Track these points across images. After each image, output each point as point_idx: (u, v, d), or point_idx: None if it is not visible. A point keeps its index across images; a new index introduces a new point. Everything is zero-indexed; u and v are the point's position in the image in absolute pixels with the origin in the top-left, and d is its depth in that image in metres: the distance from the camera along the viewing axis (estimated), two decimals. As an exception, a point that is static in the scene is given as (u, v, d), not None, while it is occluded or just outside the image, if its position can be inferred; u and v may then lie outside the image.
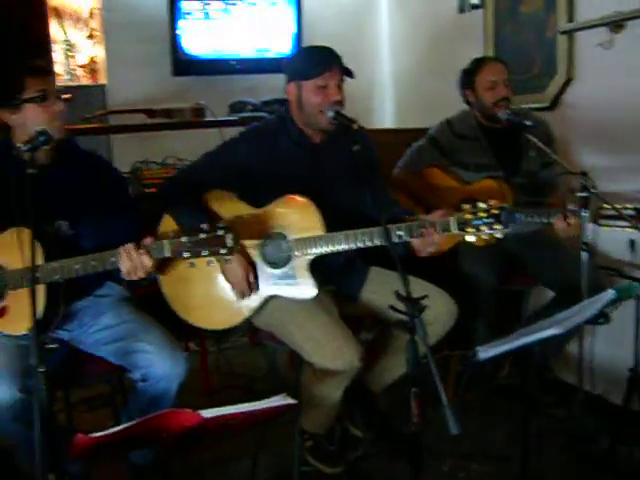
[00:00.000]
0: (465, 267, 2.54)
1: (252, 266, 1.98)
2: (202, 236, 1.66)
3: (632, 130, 2.64)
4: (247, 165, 2.01)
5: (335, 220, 1.97)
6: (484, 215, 1.84)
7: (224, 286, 2.00)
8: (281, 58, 3.95)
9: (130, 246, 1.71)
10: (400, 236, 1.88)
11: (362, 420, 2.30)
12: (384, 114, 4.52)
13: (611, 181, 2.70)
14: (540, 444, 2.17)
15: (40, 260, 1.73)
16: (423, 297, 1.59)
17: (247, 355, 3.22)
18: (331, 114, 1.93)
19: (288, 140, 2.06)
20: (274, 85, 3.46)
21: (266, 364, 2.90)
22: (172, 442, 1.49)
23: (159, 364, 1.80)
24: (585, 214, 2.07)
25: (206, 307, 2.02)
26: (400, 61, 4.32)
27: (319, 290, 2.00)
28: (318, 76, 1.97)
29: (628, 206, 2.16)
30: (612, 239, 2.67)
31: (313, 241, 1.93)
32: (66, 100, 1.89)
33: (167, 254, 1.71)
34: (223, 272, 1.97)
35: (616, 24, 2.59)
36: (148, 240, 1.72)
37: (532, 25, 3.09)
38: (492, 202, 1.86)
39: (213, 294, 2.01)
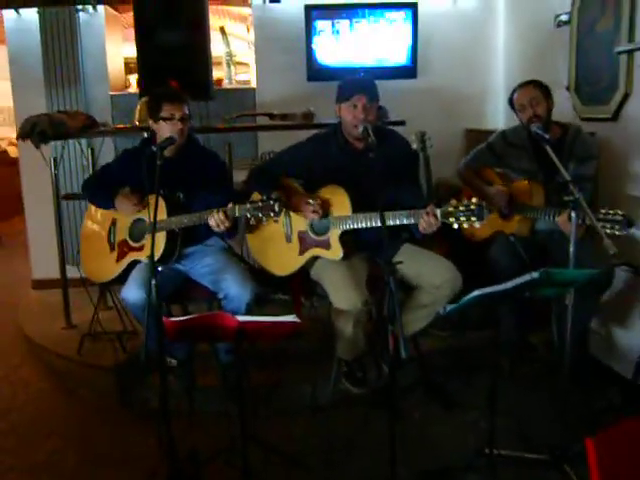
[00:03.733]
0: (491, 253, 3.07)
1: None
2: (259, 204, 2.49)
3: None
4: (307, 162, 2.80)
5: (372, 207, 2.66)
6: (463, 209, 2.40)
7: (285, 245, 2.84)
8: (399, 66, 4.63)
9: (215, 210, 2.59)
10: (401, 218, 2.53)
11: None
12: (497, 116, 4.98)
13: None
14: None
15: (164, 215, 2.69)
16: (398, 262, 2.25)
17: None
18: (360, 129, 2.61)
19: (337, 146, 2.80)
20: (388, 88, 4.03)
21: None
22: (226, 338, 2.34)
23: (233, 288, 2.70)
24: (573, 215, 2.48)
25: (275, 259, 2.87)
26: (511, 70, 4.76)
27: (355, 255, 2.74)
28: (348, 100, 2.66)
29: (618, 212, 2.55)
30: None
31: (342, 219, 2.67)
32: (186, 120, 2.82)
33: (237, 214, 2.58)
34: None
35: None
36: (229, 206, 2.60)
37: (604, 43, 3.41)
38: (474, 200, 2.39)
39: (279, 250, 2.86)
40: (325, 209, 2.72)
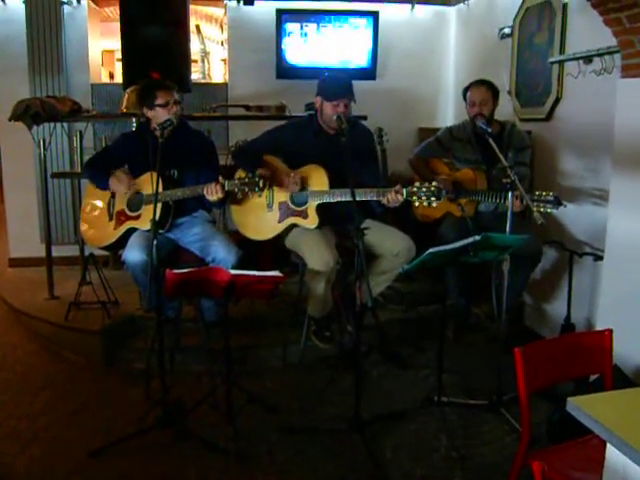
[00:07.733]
0: (441, 229, 3.55)
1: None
2: (246, 180, 2.88)
3: (597, 141, 3.42)
4: (286, 143, 3.23)
5: (342, 183, 3.08)
6: (425, 190, 2.86)
7: (266, 214, 3.26)
8: (360, 68, 5.09)
9: (212, 183, 2.98)
10: (371, 195, 2.97)
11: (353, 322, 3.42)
12: (447, 114, 5.51)
13: (579, 177, 3.59)
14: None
15: (160, 189, 3.04)
16: (365, 228, 2.68)
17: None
18: (335, 118, 3.01)
19: (313, 131, 3.22)
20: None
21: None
22: (218, 294, 2.69)
23: (220, 252, 3.08)
24: (510, 194, 2.95)
25: (254, 226, 3.29)
26: (460, 75, 5.29)
27: (325, 226, 3.17)
28: (334, 100, 3.09)
29: (550, 193, 3.05)
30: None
31: (320, 193, 3.09)
32: (179, 103, 3.17)
33: (227, 188, 2.97)
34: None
35: (587, 58, 3.44)
36: (221, 180, 2.99)
37: (540, 54, 3.95)
38: (434, 184, 2.85)
39: (260, 217, 3.28)
40: (304, 182, 3.15)
